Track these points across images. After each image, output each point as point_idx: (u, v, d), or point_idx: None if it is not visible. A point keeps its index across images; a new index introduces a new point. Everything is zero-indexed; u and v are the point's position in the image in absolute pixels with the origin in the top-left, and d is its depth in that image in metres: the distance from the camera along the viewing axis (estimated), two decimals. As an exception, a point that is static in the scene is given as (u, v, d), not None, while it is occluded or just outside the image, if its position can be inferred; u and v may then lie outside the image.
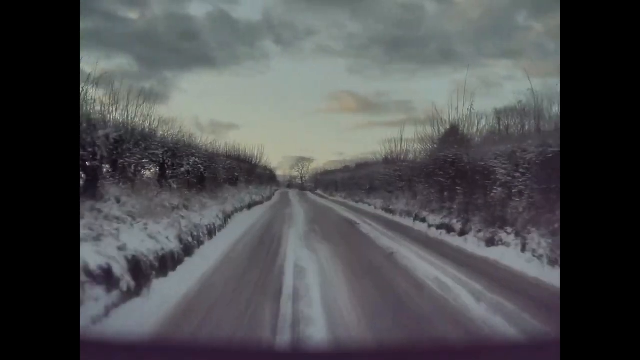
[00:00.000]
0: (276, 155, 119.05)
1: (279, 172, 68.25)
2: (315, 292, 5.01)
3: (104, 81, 8.82)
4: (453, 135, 14.15)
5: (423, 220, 13.02)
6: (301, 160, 76.17)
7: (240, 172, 22.91)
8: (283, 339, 3.55)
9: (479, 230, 9.21)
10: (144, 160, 10.11)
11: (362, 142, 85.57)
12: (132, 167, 9.47)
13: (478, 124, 13.81)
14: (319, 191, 49.61)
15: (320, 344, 3.53)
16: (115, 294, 4.13)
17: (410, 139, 23.72)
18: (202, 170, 14.01)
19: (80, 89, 7.10)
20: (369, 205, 22.43)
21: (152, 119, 11.13)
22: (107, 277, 4.14)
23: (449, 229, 10.65)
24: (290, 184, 68.69)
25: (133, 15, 60.59)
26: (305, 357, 1.77)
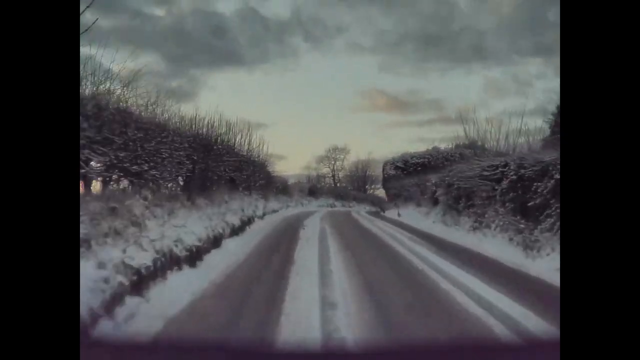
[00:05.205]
0: (305, 155, 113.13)
1: (299, 172, 48.79)
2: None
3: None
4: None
5: None
6: (333, 150, 52.32)
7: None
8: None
9: None
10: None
11: (393, 141, 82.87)
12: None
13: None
14: (405, 215, 20.16)
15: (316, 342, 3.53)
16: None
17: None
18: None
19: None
20: None
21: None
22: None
23: None
24: (312, 190, 39.58)
25: (160, 12, 59.29)
26: (305, 357, 1.77)
